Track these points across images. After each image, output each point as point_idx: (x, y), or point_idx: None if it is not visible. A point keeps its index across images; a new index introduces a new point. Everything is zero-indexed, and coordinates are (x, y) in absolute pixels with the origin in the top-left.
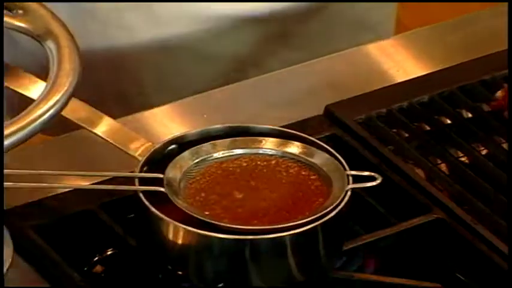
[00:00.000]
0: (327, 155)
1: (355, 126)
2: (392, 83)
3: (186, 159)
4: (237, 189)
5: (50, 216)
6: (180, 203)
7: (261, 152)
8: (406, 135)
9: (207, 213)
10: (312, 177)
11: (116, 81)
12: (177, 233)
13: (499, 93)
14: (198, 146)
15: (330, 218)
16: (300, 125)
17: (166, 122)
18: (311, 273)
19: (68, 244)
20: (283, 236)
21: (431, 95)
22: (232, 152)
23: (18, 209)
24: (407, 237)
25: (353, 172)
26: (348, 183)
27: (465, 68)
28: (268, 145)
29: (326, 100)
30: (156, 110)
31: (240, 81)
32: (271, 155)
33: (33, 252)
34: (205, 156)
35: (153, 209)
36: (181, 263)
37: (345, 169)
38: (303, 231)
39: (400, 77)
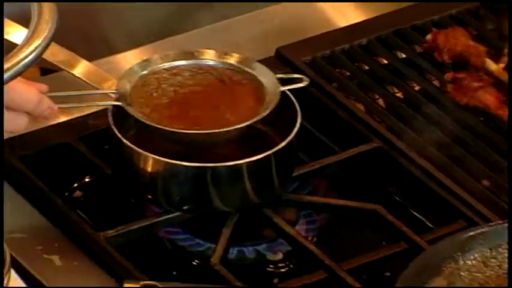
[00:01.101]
0: (260, 65)
1: (302, 66)
2: (335, 28)
3: (135, 71)
4: (183, 97)
5: (35, 148)
6: (132, 110)
7: (202, 63)
8: (348, 73)
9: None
10: (245, 82)
11: (81, 26)
12: (146, 162)
13: (428, 36)
14: (145, 59)
15: (281, 148)
16: None
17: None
18: (265, 196)
19: (51, 172)
20: (240, 163)
21: (370, 38)
22: (177, 63)
23: (6, 142)
24: (350, 164)
25: (282, 75)
26: (281, 86)
27: (399, 14)
28: (209, 56)
29: (277, 43)
30: (127, 53)
31: (189, 24)
32: (211, 65)
33: (20, 180)
34: (153, 68)
35: (125, 141)
36: (150, 188)
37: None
38: (258, 159)
39: (341, 23)
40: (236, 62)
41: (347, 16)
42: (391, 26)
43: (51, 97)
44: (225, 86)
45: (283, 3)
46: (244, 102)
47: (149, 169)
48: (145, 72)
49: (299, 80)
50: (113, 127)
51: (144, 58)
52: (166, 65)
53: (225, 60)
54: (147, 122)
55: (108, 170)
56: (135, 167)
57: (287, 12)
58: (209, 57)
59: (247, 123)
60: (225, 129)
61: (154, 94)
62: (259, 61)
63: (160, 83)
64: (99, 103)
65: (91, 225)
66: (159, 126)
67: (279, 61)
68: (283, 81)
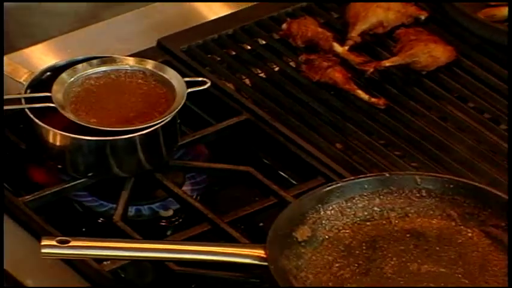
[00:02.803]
0: (170, 69)
1: (180, 54)
2: (206, 20)
3: (65, 79)
4: (106, 101)
5: None
6: (68, 113)
7: (121, 68)
8: (218, 59)
9: (93, 120)
10: (159, 85)
11: None
12: (55, 137)
13: (284, 26)
14: (72, 68)
15: (166, 122)
16: (140, 54)
17: (41, 57)
18: (156, 162)
19: None
20: (133, 136)
21: (235, 28)
22: (100, 69)
23: None
24: (225, 133)
25: (189, 79)
26: (187, 88)
27: (258, 7)
28: (128, 63)
29: (158, 35)
30: (32, 48)
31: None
32: (131, 70)
33: None
34: (80, 74)
35: (37, 120)
36: (60, 160)
37: (183, 77)
38: (148, 132)
39: (211, 16)
40: (152, 67)
41: (215, 10)
42: (252, 17)
43: None
44: (141, 87)
45: (162, 3)
46: (155, 102)
47: (58, 143)
48: (72, 79)
49: (203, 82)
50: (26, 110)
51: (73, 67)
52: (90, 71)
53: (142, 65)
54: (79, 122)
55: (23, 145)
56: (46, 142)
57: (165, 9)
58: (129, 63)
59: (154, 122)
60: (138, 127)
61: (80, 97)
62: (144, 51)
63: (85, 87)
64: (35, 105)
65: (11, 192)
66: (85, 124)
67: (160, 50)
68: (189, 83)
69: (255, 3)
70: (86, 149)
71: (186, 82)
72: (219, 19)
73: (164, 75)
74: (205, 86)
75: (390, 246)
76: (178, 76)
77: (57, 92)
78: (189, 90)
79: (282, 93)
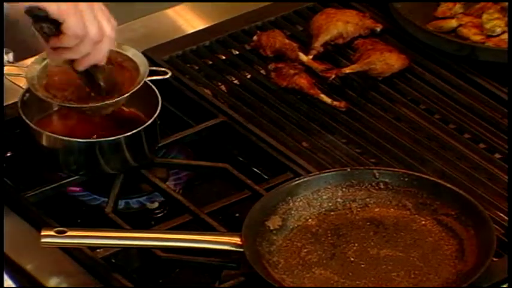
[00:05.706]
0: (144, 59)
1: (162, 63)
2: (185, 34)
3: (38, 62)
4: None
5: None
6: (43, 95)
7: None
8: (197, 67)
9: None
10: (133, 71)
11: None
12: (49, 139)
13: (255, 37)
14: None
15: (148, 125)
16: None
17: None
18: (141, 160)
19: None
20: (120, 138)
21: (211, 40)
22: None
23: None
24: (203, 134)
25: (153, 68)
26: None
27: (231, 22)
28: None
29: (143, 47)
30: (30, 59)
31: None
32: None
33: None
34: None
35: (32, 125)
36: (54, 158)
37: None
38: (132, 134)
39: (189, 29)
40: (133, 54)
41: (193, 24)
42: (226, 30)
43: None
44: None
45: (147, 16)
46: (123, 84)
47: (52, 145)
48: (46, 62)
49: (164, 73)
50: (22, 115)
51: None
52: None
53: (118, 50)
54: (48, 100)
55: (22, 146)
56: (41, 144)
57: (149, 24)
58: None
59: (119, 98)
60: (106, 102)
61: (55, 79)
62: None
63: (60, 70)
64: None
65: (14, 187)
66: (58, 102)
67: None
68: (152, 73)
69: (228, 17)
70: (77, 150)
71: (150, 71)
72: (196, 32)
73: (134, 58)
74: (166, 76)
75: (352, 233)
76: (147, 66)
77: (30, 75)
78: (150, 78)
79: (254, 97)
